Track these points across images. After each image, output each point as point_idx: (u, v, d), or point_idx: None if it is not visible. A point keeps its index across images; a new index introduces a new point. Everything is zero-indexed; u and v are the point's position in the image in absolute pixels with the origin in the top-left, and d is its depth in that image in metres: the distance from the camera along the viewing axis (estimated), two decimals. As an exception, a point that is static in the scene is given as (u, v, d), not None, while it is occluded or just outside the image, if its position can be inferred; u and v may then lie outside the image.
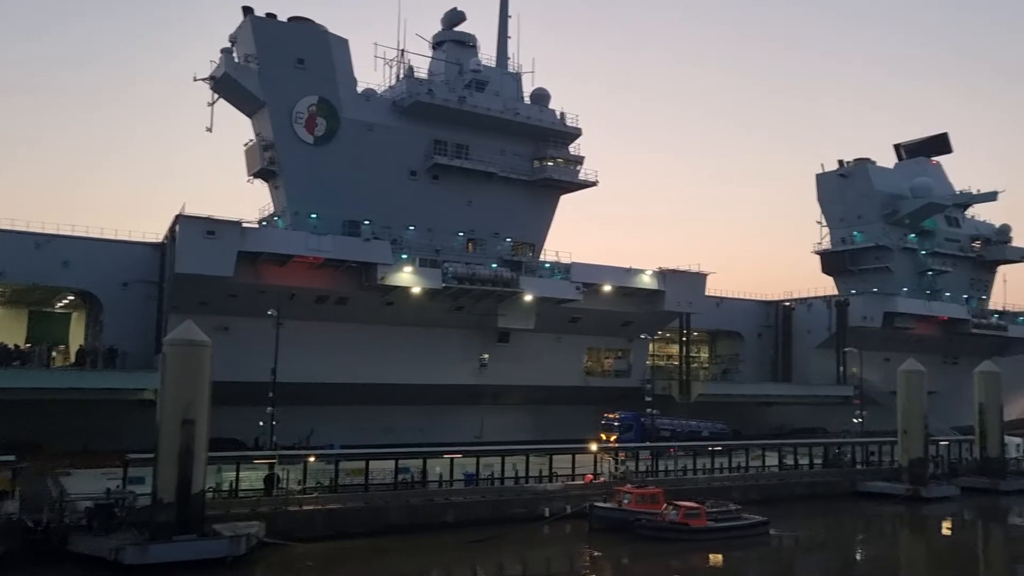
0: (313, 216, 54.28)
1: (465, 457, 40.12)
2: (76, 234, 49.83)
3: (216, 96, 56.98)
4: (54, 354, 51.88)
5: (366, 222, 55.01)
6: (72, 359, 51.00)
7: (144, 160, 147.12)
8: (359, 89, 59.27)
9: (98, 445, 43.02)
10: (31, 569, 27.54)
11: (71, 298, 54.45)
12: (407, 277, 52.60)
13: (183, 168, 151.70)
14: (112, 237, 51.14)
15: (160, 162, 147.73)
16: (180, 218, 46.24)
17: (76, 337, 54.93)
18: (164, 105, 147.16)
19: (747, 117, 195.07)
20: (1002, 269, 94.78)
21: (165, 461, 29.14)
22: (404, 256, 53.56)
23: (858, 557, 38.93)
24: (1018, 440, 61.09)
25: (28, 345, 50.37)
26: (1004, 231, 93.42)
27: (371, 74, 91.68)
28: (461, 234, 60.69)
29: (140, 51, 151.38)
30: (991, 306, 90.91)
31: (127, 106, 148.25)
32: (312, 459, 36.78)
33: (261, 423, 40.72)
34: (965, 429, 60.80)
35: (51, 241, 48.74)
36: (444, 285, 53.43)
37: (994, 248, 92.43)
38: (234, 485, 34.73)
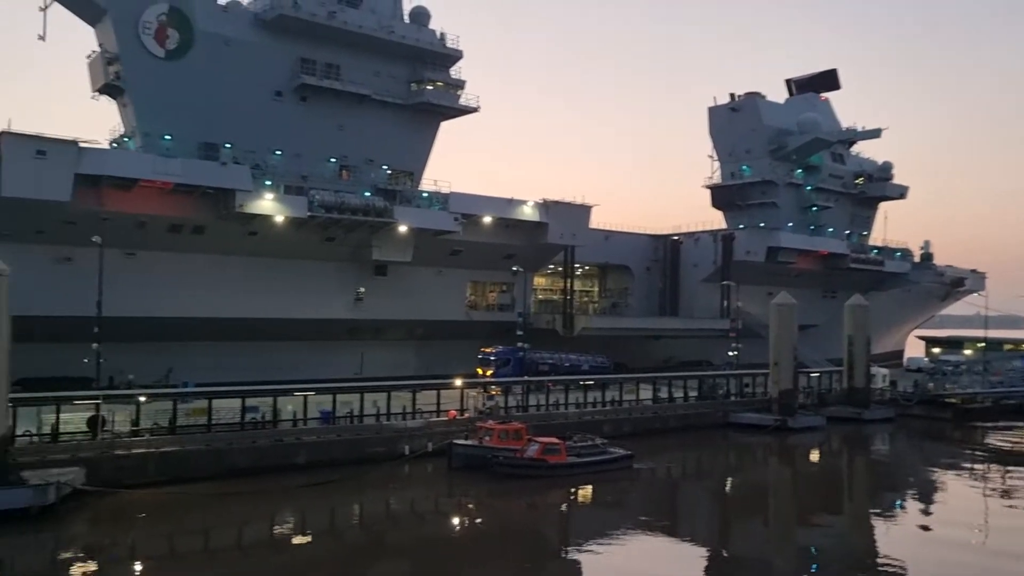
0: (167, 137, 49.80)
1: (319, 395, 37.86)
2: None
3: (49, 0, 51.16)
4: None
5: (227, 145, 50.86)
6: None
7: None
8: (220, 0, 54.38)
9: None
10: None
11: None
12: (269, 205, 49.19)
13: (17, 80, 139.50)
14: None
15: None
16: (4, 136, 41.81)
17: None
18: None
19: (640, 49, 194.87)
20: (883, 206, 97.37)
21: (-46, 405, 26.08)
22: (268, 183, 49.99)
23: (727, 487, 39.03)
24: (885, 371, 63.03)
25: None
26: (886, 168, 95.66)
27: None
28: (333, 160, 57.01)
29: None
30: (871, 242, 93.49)
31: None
32: (143, 399, 33.76)
33: (87, 360, 37.12)
34: (840, 361, 62.21)
35: None
36: (310, 214, 50.28)
37: (876, 185, 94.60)
38: (55, 429, 31.69)
